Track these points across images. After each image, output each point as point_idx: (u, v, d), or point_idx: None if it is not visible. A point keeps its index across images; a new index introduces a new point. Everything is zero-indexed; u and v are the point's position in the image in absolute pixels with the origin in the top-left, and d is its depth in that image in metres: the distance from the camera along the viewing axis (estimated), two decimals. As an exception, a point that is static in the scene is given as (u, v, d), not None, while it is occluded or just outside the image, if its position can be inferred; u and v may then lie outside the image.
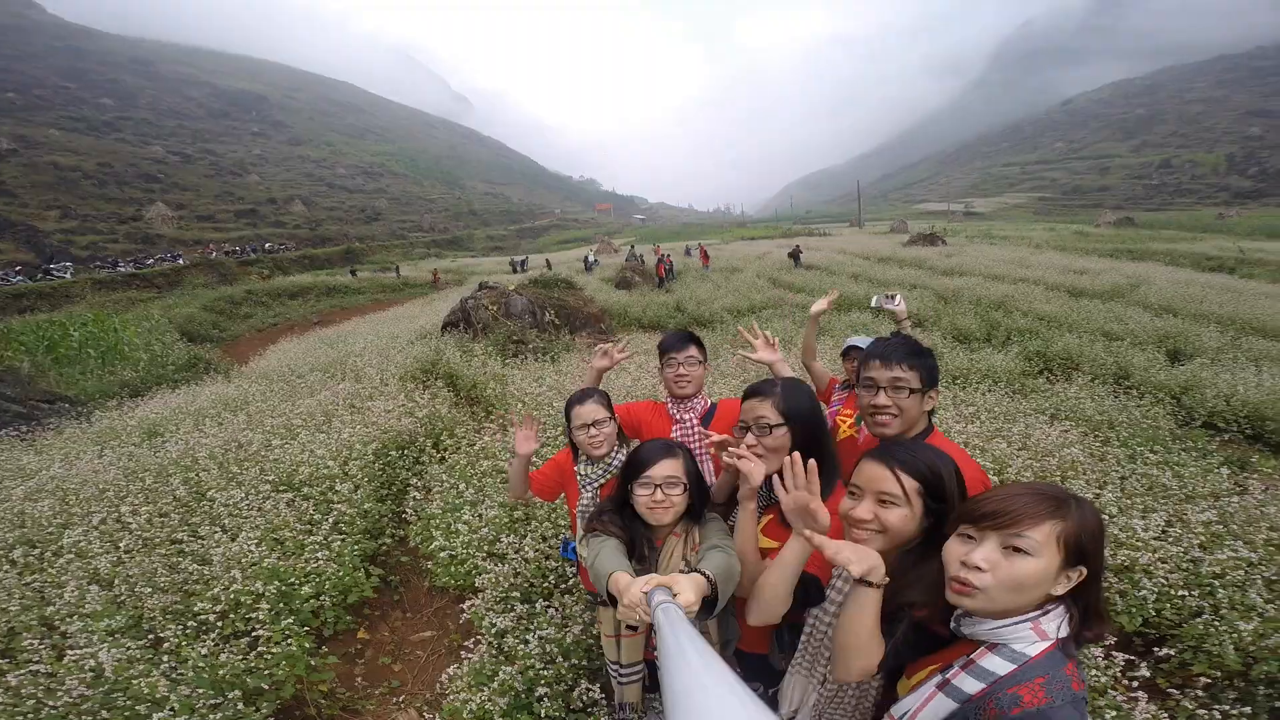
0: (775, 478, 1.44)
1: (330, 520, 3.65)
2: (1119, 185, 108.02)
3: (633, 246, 32.65)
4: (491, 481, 4.05)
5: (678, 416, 2.33)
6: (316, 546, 3.35)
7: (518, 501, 3.60)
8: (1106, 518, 3.22)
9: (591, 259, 27.51)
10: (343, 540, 3.51)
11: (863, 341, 2.95)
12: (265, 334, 19.61)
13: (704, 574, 1.38)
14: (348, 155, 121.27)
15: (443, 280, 31.64)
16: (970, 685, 1.08)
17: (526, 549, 3.22)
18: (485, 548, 3.34)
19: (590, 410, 2.16)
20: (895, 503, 1.33)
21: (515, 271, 32.19)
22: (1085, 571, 1.08)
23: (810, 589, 1.49)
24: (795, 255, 22.52)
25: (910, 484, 1.32)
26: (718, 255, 27.12)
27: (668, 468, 1.71)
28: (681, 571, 1.57)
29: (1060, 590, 1.08)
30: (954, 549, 1.15)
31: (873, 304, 2.97)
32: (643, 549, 1.74)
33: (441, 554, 3.41)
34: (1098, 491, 3.54)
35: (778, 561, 1.42)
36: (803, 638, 1.55)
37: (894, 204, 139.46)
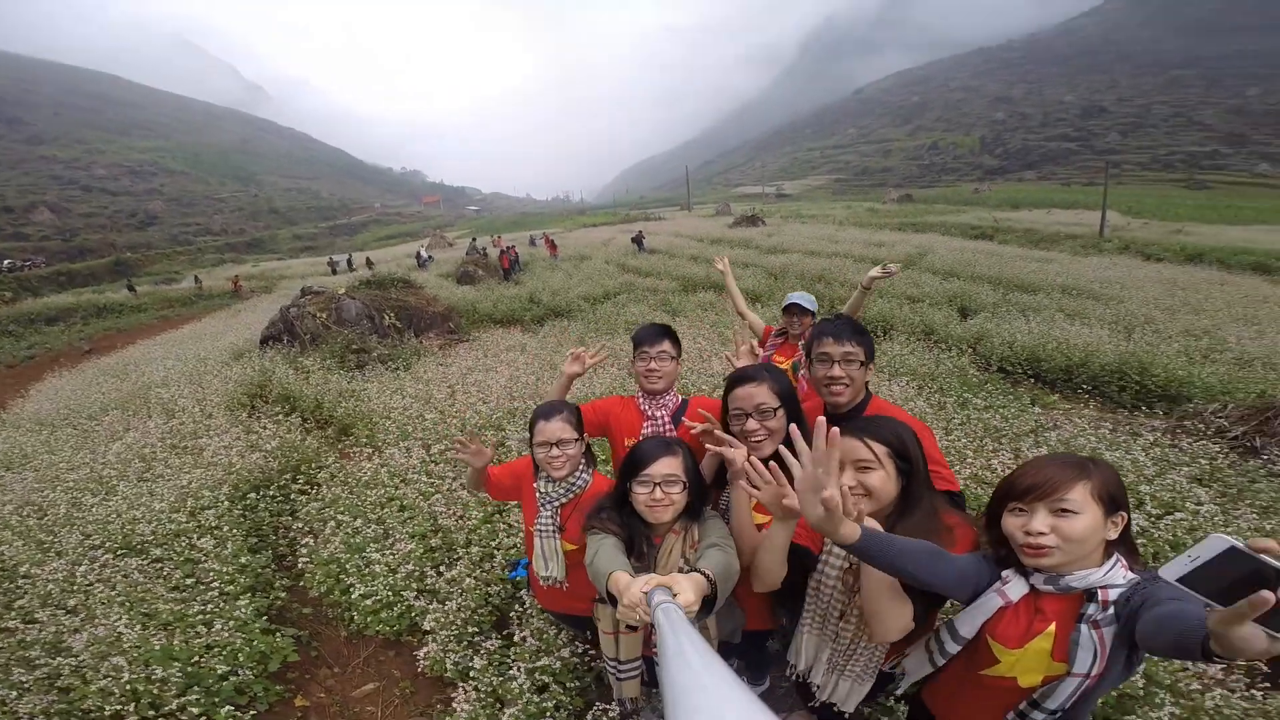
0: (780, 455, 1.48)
1: (206, 582, 3.18)
2: (899, 166, 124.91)
3: (474, 239, 31.30)
4: (390, 512, 3.70)
5: (650, 413, 2.28)
6: (206, 615, 2.90)
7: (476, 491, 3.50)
8: (963, 460, 3.78)
9: (425, 254, 25.83)
10: (234, 602, 3.06)
11: (804, 299, 3.30)
12: (21, 371, 15.88)
13: (704, 573, 1.40)
14: (107, 154, 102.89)
15: (246, 289, 27.81)
16: (1108, 613, 1.25)
17: (463, 579, 2.99)
18: (414, 584, 3.06)
19: (555, 428, 2.01)
20: (871, 466, 1.51)
21: (335, 273, 29.35)
22: (1126, 516, 1.29)
23: (804, 557, 1.64)
24: (638, 240, 23.12)
25: (879, 449, 1.51)
26: (563, 244, 27.03)
27: (667, 466, 1.70)
28: (681, 570, 1.62)
29: (1113, 535, 1.27)
30: (1012, 523, 1.31)
31: (876, 271, 2.99)
32: (641, 546, 1.73)
33: (365, 600, 3.05)
34: (949, 437, 4.12)
35: (768, 543, 1.53)
36: (808, 600, 1.71)
37: (717, 188, 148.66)
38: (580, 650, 2.42)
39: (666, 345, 2.26)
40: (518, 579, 2.74)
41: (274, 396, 6.58)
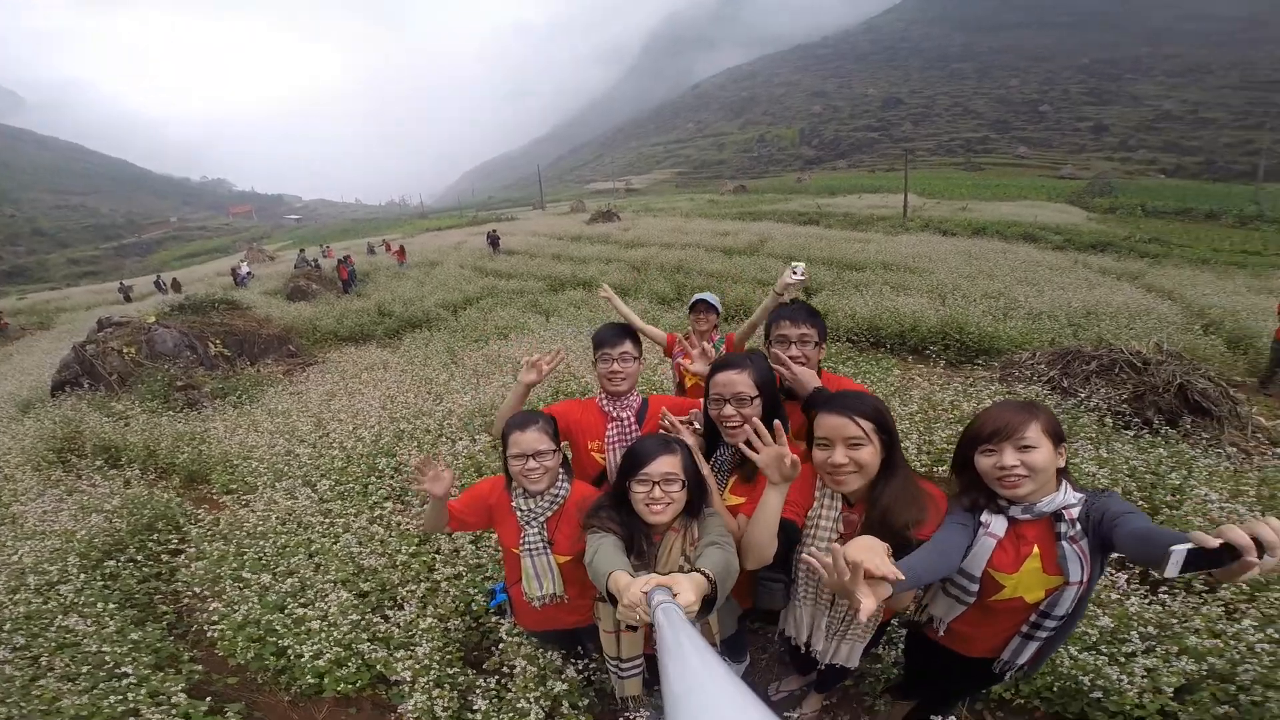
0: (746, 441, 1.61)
1: (100, 667, 2.66)
2: (732, 158, 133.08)
3: (301, 251, 28.29)
4: (302, 559, 3.20)
5: (614, 414, 2.25)
6: (129, 705, 2.44)
7: (434, 533, 3.09)
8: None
9: (244, 271, 22.73)
10: (145, 683, 2.56)
11: (710, 296, 3.35)
12: None
13: (704, 573, 1.39)
14: None
15: (12, 325, 22.79)
16: (1079, 528, 1.50)
17: (420, 620, 2.67)
18: (365, 634, 2.68)
19: (531, 439, 1.90)
20: (861, 442, 1.58)
21: (128, 300, 25.11)
22: (1064, 447, 1.54)
23: (789, 531, 1.68)
24: (494, 241, 22.48)
25: (866, 425, 1.58)
26: (409, 249, 25.51)
27: (666, 464, 1.68)
28: (681, 568, 1.63)
29: (1061, 463, 1.53)
30: (985, 463, 1.54)
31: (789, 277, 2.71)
32: (641, 545, 1.71)
33: (317, 660, 2.61)
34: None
35: (760, 515, 1.59)
36: (801, 574, 1.78)
37: (569, 185, 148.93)
38: (583, 666, 2.28)
39: (628, 346, 2.24)
40: (500, 605, 2.44)
41: (90, 449, 5.60)
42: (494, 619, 2.69)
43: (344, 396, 6.18)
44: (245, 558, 3.30)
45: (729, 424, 1.87)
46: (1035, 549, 1.56)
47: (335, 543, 3.28)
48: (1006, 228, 23.73)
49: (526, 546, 1.97)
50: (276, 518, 3.62)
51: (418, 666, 2.39)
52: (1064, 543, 1.52)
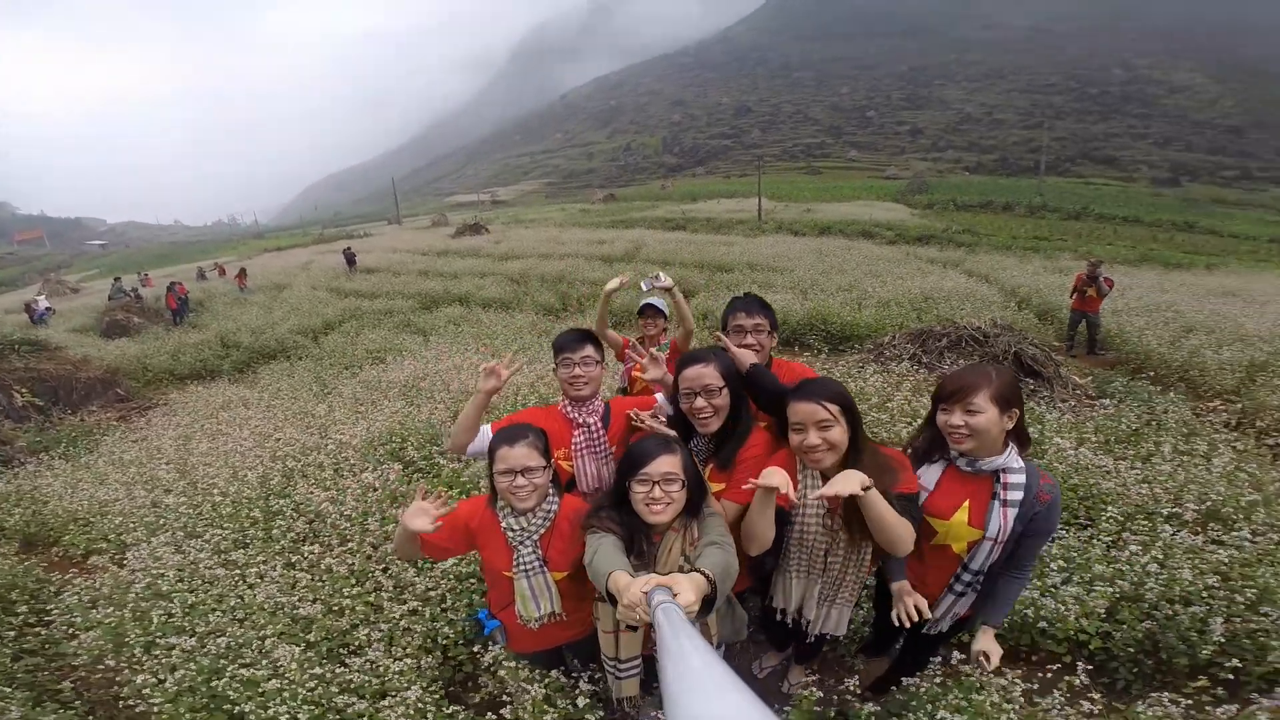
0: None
1: None
2: (600, 167, 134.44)
3: (117, 280, 24.32)
4: (222, 616, 2.74)
5: (580, 420, 2.21)
6: None
7: (406, 559, 2.72)
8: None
9: (41, 306, 18.99)
10: None
11: (656, 301, 3.40)
12: None
13: (704, 573, 1.40)
14: None
15: None
16: (1017, 494, 1.73)
17: (391, 662, 2.41)
18: (333, 688, 2.30)
19: (520, 454, 1.81)
20: (830, 424, 1.72)
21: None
22: (1019, 412, 1.74)
23: (779, 514, 1.79)
24: (350, 259, 20.99)
25: (834, 408, 1.73)
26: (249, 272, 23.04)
27: (666, 464, 1.67)
28: (681, 568, 1.64)
29: (1009, 426, 1.73)
30: (941, 419, 1.78)
31: (644, 287, 3.05)
32: (641, 545, 1.71)
33: None
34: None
35: (758, 512, 1.71)
36: (791, 549, 1.92)
37: (427, 198, 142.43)
38: (590, 675, 2.16)
39: (589, 350, 2.22)
40: (492, 634, 2.21)
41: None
42: (470, 650, 2.51)
43: (204, 439, 5.50)
44: (150, 621, 2.81)
45: (701, 415, 1.96)
46: (966, 502, 1.80)
47: (255, 594, 2.88)
48: (847, 226, 26.29)
49: (522, 568, 1.88)
50: (173, 575, 3.12)
51: (411, 713, 2.16)
52: (996, 501, 1.76)
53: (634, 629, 1.83)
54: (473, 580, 2.87)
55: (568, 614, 1.96)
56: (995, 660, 1.88)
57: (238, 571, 3.11)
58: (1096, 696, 2.02)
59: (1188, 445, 3.97)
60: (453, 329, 9.59)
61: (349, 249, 22.22)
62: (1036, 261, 16.69)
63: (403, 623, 2.61)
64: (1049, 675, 2.23)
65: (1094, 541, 2.97)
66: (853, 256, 15.23)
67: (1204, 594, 2.55)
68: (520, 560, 1.88)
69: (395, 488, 3.68)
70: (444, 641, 2.60)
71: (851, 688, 2.18)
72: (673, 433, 2.00)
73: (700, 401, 1.95)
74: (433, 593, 2.80)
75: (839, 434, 1.74)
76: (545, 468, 1.87)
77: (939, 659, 2.13)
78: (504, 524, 1.88)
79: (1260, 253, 28.84)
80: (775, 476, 1.60)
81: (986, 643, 1.89)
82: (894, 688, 2.23)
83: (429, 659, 2.50)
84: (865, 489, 1.56)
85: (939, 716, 1.88)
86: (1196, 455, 3.78)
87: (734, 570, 1.61)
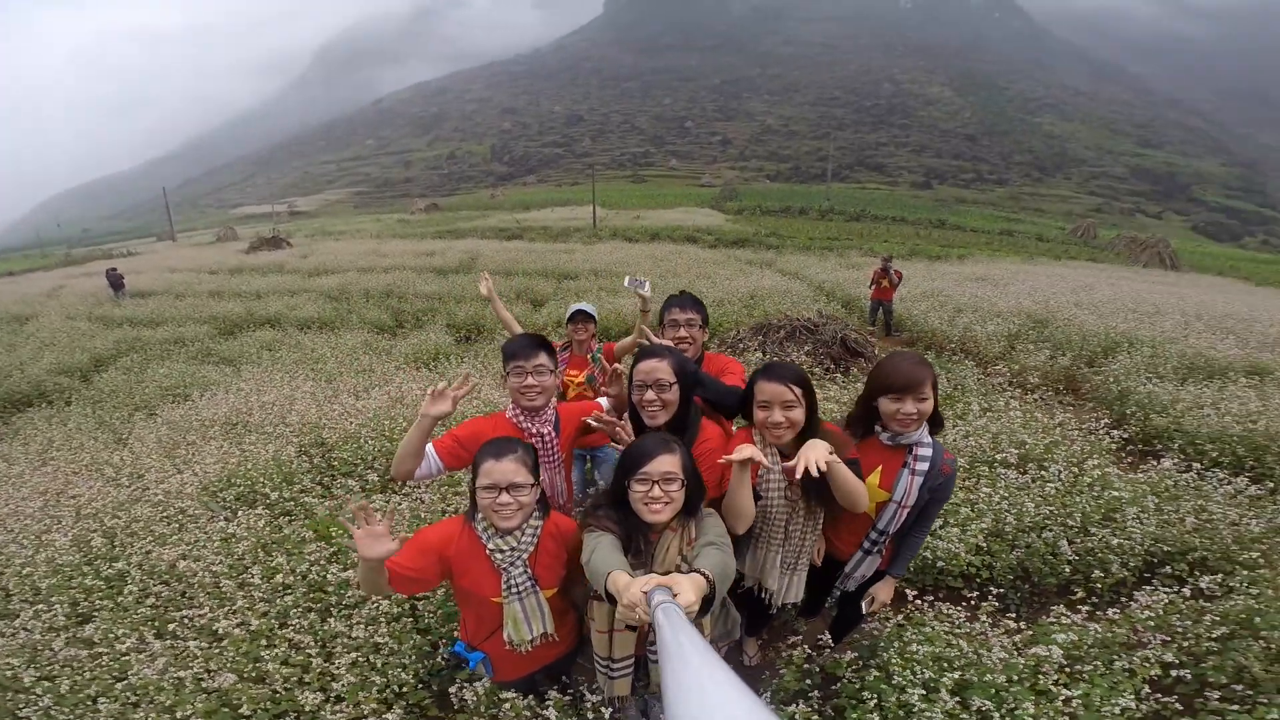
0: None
1: None
2: (420, 176, 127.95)
3: None
4: (110, 705, 2.04)
5: (533, 430, 2.14)
6: None
7: (374, 595, 2.32)
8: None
9: None
10: None
11: (586, 307, 3.41)
12: None
13: (703, 573, 1.40)
14: None
15: None
16: (924, 465, 1.97)
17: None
18: None
19: (507, 470, 1.69)
20: (793, 404, 1.89)
21: None
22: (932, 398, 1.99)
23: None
24: (116, 282, 17.22)
25: (797, 390, 1.89)
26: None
27: (666, 464, 1.66)
28: (678, 568, 1.64)
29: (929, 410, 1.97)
30: (890, 407, 1.95)
31: (626, 283, 3.16)
32: (638, 544, 1.69)
33: None
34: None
35: (737, 488, 1.81)
36: (757, 521, 1.99)
37: (206, 210, 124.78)
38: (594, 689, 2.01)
39: (543, 358, 2.12)
40: (476, 669, 1.95)
41: None
42: (443, 690, 2.16)
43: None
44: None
45: (649, 407, 2.02)
46: (879, 467, 2.04)
47: (143, 671, 2.18)
48: (674, 232, 27.84)
49: (515, 590, 1.77)
50: (19, 662, 2.27)
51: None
52: (905, 470, 2.00)
53: (633, 628, 1.81)
54: (409, 620, 2.55)
55: (559, 630, 1.91)
56: (879, 603, 2.22)
57: (101, 650, 2.40)
58: (1014, 617, 2.41)
59: (988, 403, 4.79)
60: (268, 355, 8.35)
61: (113, 270, 18.35)
62: (832, 259, 18.97)
63: (348, 676, 2.20)
64: (968, 604, 2.55)
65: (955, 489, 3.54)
66: (683, 260, 16.06)
67: (1046, 522, 3.14)
68: (512, 583, 1.77)
69: (267, 535, 3.15)
70: (403, 689, 2.23)
71: (825, 642, 2.31)
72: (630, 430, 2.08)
73: (650, 394, 2.01)
74: (379, 638, 2.38)
75: (799, 414, 1.91)
76: (533, 486, 1.76)
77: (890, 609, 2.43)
78: (490, 546, 1.75)
79: (995, 244, 35.60)
80: (746, 449, 1.72)
81: (882, 588, 2.22)
82: (841, 639, 2.51)
83: (393, 713, 2.10)
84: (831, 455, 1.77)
85: (910, 649, 2.15)
86: (998, 410, 4.56)
87: (731, 571, 1.64)
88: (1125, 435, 4.46)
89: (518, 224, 33.52)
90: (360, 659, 2.29)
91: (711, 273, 13.71)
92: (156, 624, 2.60)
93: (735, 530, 1.87)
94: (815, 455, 1.70)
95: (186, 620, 2.54)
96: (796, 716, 1.95)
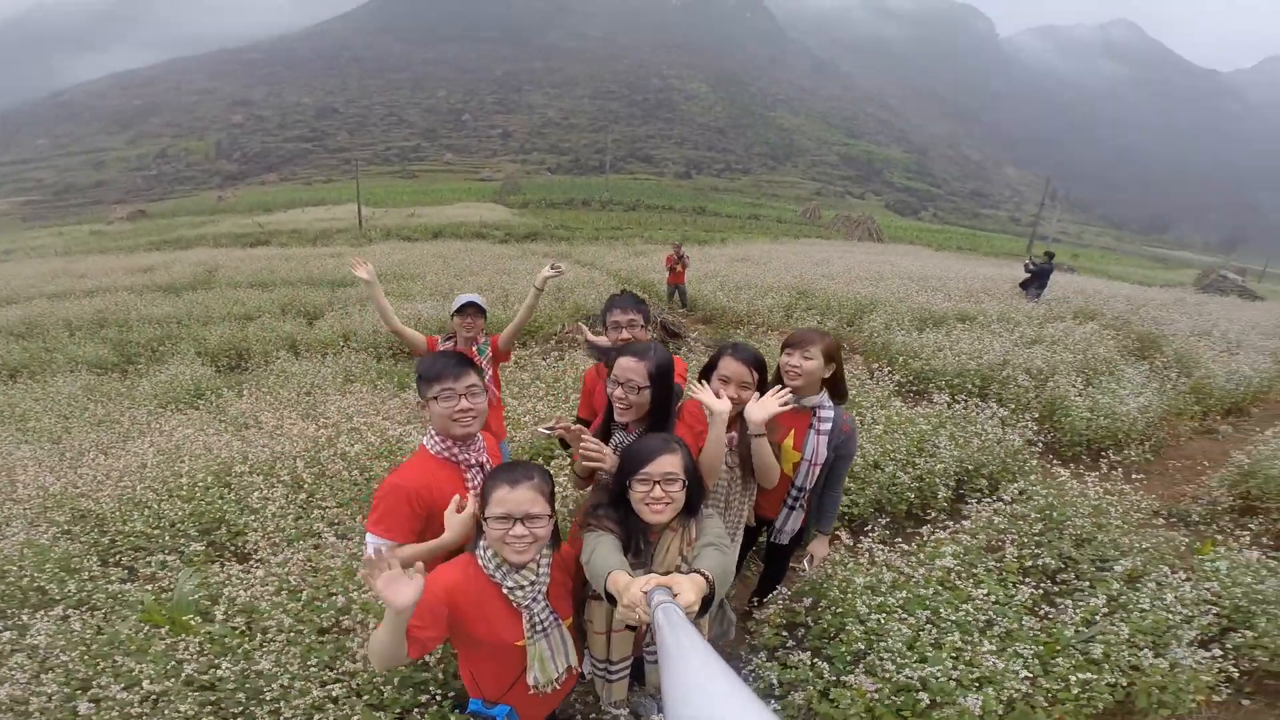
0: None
1: None
2: (118, 179, 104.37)
3: None
4: None
5: (472, 460, 1.91)
6: None
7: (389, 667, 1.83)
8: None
9: None
10: None
11: (476, 298, 3.20)
12: None
13: (703, 574, 1.38)
14: None
15: None
16: (827, 425, 2.28)
17: None
18: None
19: (523, 498, 1.52)
20: (749, 386, 2.08)
21: None
22: (837, 367, 2.32)
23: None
24: None
25: (756, 375, 2.09)
26: None
27: (667, 464, 1.65)
28: (678, 568, 1.62)
29: (827, 375, 2.30)
30: (783, 360, 2.29)
31: (549, 271, 3.17)
32: (638, 544, 1.69)
33: None
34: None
35: (713, 444, 1.90)
36: (713, 493, 2.10)
37: None
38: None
39: (474, 378, 1.87)
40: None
41: None
42: None
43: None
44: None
45: (619, 405, 2.04)
46: (792, 430, 2.31)
47: None
48: (459, 229, 26.53)
49: (540, 628, 1.62)
50: None
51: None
52: (812, 431, 2.30)
53: (632, 629, 1.78)
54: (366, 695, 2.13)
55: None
56: (819, 559, 2.53)
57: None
58: (901, 540, 2.89)
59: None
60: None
61: None
62: (620, 248, 19.76)
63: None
64: (855, 540, 3.00)
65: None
66: (477, 258, 15.35)
67: (880, 460, 3.70)
68: (535, 620, 1.62)
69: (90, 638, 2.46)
70: None
71: (785, 593, 2.60)
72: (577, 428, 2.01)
73: (620, 392, 2.01)
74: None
75: (749, 395, 2.07)
76: (549, 517, 1.58)
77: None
78: (508, 584, 1.57)
79: (746, 227, 40.31)
80: (719, 401, 1.90)
81: (816, 545, 2.55)
82: (773, 591, 2.70)
83: None
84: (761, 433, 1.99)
85: (853, 580, 2.54)
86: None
87: (731, 572, 1.64)
88: (899, 379, 5.26)
89: (260, 228, 29.07)
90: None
91: (511, 268, 13.34)
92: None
93: (708, 485, 1.98)
94: (772, 404, 1.93)
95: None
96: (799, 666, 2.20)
